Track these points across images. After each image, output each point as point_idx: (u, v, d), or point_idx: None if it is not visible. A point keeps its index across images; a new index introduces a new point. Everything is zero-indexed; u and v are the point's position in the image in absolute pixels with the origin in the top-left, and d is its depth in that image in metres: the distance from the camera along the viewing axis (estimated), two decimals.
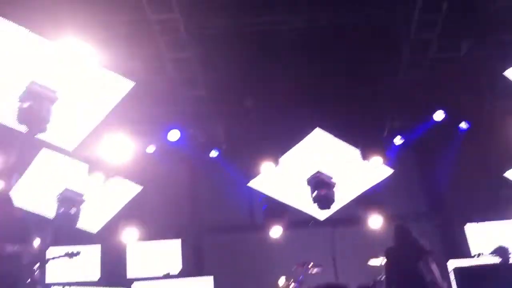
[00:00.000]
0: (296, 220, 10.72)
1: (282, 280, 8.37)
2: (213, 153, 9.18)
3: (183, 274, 10.60)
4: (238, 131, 8.70)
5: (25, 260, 5.85)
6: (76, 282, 10.53)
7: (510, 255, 8.06)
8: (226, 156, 9.23)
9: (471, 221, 10.21)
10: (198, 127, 8.62)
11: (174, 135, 8.62)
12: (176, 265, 10.86)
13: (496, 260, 7.97)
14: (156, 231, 10.96)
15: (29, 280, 5.70)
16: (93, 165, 8.92)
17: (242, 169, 9.37)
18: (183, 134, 8.67)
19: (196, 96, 7.78)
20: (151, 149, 8.85)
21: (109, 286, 10.28)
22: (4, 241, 5.71)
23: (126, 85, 7.26)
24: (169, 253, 11.01)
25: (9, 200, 6.25)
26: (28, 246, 5.99)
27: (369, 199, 10.27)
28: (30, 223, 6.35)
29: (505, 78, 7.61)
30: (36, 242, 6.25)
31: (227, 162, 9.18)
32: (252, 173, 9.42)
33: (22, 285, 5.70)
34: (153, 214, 10.45)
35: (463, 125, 9.54)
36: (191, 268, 10.99)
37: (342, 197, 9.81)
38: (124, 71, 7.24)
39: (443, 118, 9.13)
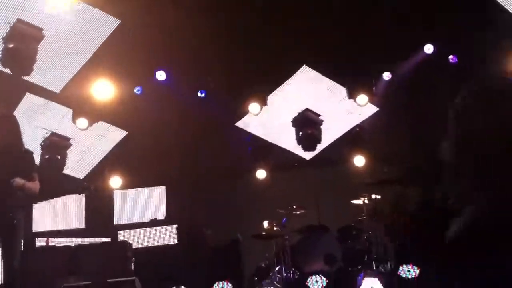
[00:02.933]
0: (282, 162, 10.76)
1: (266, 224, 8.45)
2: (200, 94, 9.10)
3: (167, 221, 10.63)
4: (225, 70, 8.59)
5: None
6: (62, 230, 10.55)
7: None
8: (213, 96, 9.14)
9: None
10: (185, 68, 8.49)
11: (161, 75, 8.52)
12: (161, 212, 10.91)
13: None
14: (141, 178, 10.91)
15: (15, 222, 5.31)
16: (78, 110, 8.77)
17: (229, 109, 9.33)
18: (170, 75, 8.54)
19: (182, 38, 7.62)
20: (138, 90, 8.73)
21: (95, 235, 10.21)
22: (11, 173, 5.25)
23: (112, 23, 7.14)
24: (154, 200, 11.03)
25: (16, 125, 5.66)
26: (30, 184, 5.44)
27: (354, 138, 10.33)
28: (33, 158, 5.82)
29: None
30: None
31: (215, 102, 9.10)
32: (239, 113, 9.41)
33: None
34: (139, 160, 10.36)
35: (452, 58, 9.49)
36: (175, 215, 10.95)
37: (328, 136, 9.96)
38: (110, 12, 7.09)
39: (432, 51, 9.13)
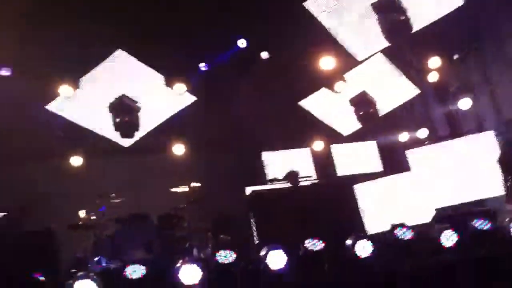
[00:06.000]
0: (99, 148, 10.31)
1: (82, 213, 8.06)
2: (4, 72, 8.29)
3: None
4: (33, 51, 7.97)
5: None
6: None
7: (299, 179, 8.85)
8: (20, 75, 8.40)
9: (267, 150, 10.87)
10: None
11: None
12: None
13: (288, 184, 8.65)
14: None
15: None
16: None
17: (39, 91, 8.67)
18: None
19: None
20: None
21: None
22: None
23: None
24: None
25: None
26: None
27: (172, 127, 10.31)
28: None
29: None
30: None
31: (22, 81, 8.37)
32: (50, 96, 8.80)
33: None
34: None
35: (264, 54, 10.07)
36: None
37: (146, 124, 9.78)
38: None
39: (245, 46, 9.60)
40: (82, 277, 5.71)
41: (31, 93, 8.65)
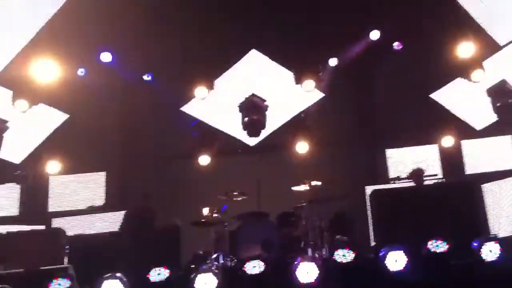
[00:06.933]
0: (226, 147, 10.69)
1: (206, 211, 8.42)
2: (146, 77, 8.99)
3: (106, 207, 10.41)
4: (172, 54, 8.55)
5: None
6: None
7: (424, 178, 8.61)
8: (160, 80, 9.05)
9: (392, 146, 10.65)
10: (131, 49, 8.39)
11: (106, 56, 8.35)
12: (100, 199, 10.67)
13: (412, 183, 8.41)
14: (81, 163, 10.52)
15: None
16: (18, 91, 8.49)
17: (175, 93, 9.27)
18: (116, 56, 8.39)
19: (130, 18, 7.53)
20: (81, 72, 8.52)
21: (28, 222, 9.79)
22: None
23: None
24: (92, 186, 10.73)
25: None
26: None
27: (297, 124, 10.39)
28: None
29: None
30: None
31: (161, 85, 9.00)
32: (186, 97, 9.34)
33: None
34: (79, 145, 10.10)
35: (396, 45, 9.86)
36: (115, 201, 10.69)
37: (273, 122, 10.03)
38: None
39: (378, 38, 9.45)
40: (204, 271, 6.09)
41: (169, 95, 9.27)
